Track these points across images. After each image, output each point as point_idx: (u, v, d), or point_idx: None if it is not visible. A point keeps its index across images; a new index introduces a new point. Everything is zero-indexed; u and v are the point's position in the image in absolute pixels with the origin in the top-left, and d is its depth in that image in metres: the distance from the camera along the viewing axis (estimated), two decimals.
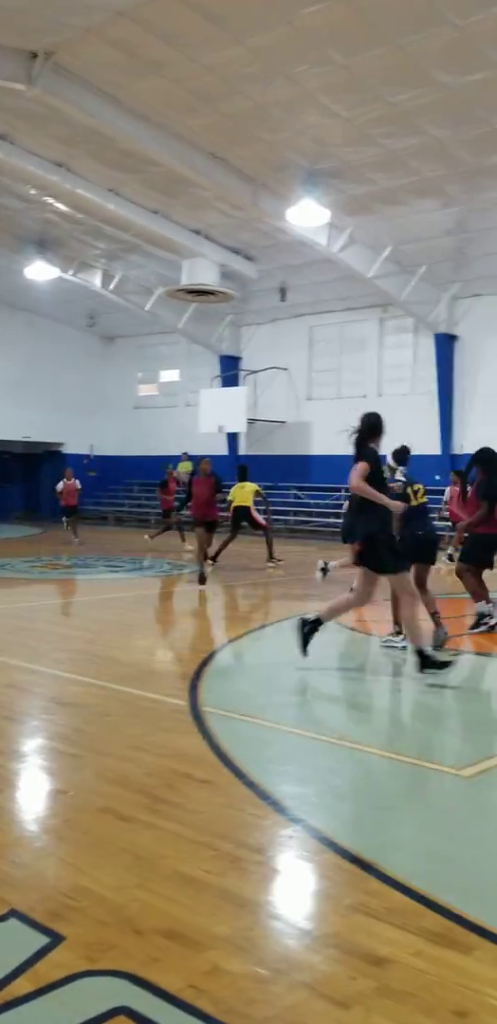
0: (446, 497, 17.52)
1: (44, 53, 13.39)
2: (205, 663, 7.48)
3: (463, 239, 19.31)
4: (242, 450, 27.36)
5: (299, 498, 25.12)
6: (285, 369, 26.04)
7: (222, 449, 27.35)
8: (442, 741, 5.85)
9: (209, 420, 25.55)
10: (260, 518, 15.79)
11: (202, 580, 11.85)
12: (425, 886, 3.48)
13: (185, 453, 28.42)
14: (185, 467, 28.48)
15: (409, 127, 14.44)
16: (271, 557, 15.45)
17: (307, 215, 16.94)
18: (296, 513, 24.48)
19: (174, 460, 28.39)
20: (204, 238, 20.54)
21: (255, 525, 15.69)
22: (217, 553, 14.77)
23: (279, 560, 15.49)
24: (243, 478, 16.08)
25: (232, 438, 27.17)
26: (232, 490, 15.80)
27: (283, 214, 17.35)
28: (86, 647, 8.52)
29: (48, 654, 7.92)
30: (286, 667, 7.60)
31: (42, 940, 3.02)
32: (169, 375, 30.13)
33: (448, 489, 17.34)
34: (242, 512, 15.48)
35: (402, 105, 13.77)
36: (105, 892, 3.38)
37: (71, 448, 29.88)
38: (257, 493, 15.90)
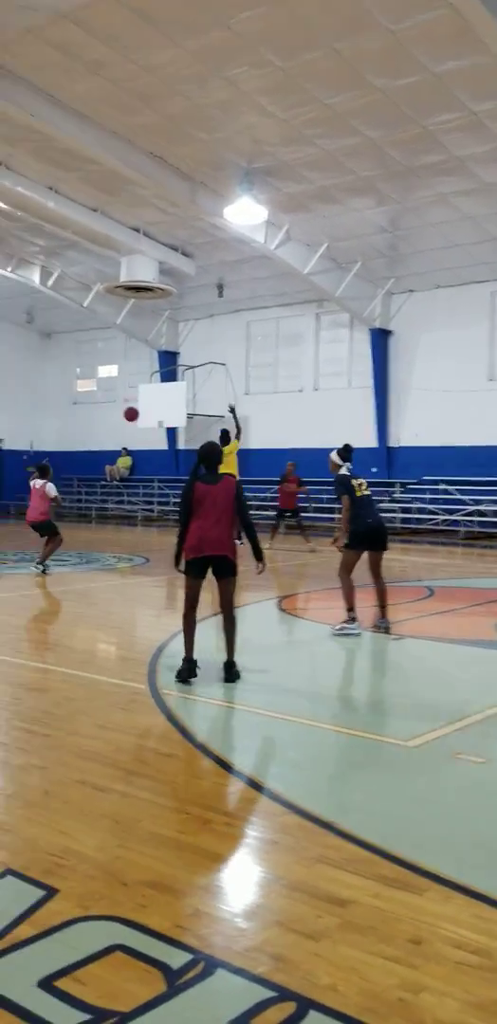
0: None
1: None
2: (161, 649, 7.78)
3: (396, 237, 19.88)
4: (181, 444, 27.62)
5: None
6: (223, 364, 26.34)
7: (161, 444, 27.59)
8: (389, 717, 6.26)
9: (148, 415, 25.70)
10: None
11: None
12: (380, 840, 3.87)
13: (124, 448, 28.60)
14: (124, 462, 28.66)
15: (344, 128, 14.87)
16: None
17: (244, 213, 17.26)
18: None
19: (113, 456, 28.58)
20: (143, 235, 20.72)
21: None
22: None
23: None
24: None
25: (172, 433, 27.40)
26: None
27: (221, 212, 17.65)
28: (43, 637, 8.77)
29: (8, 643, 8.13)
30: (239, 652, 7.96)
31: (38, 893, 3.31)
32: (107, 370, 30.19)
33: None
34: None
35: (337, 107, 14.18)
36: (90, 852, 3.68)
37: (9, 444, 29.74)
38: None
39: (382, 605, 8.83)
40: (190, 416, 25.84)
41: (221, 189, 17.33)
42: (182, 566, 6.71)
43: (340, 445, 9.05)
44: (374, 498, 9.24)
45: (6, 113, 14.55)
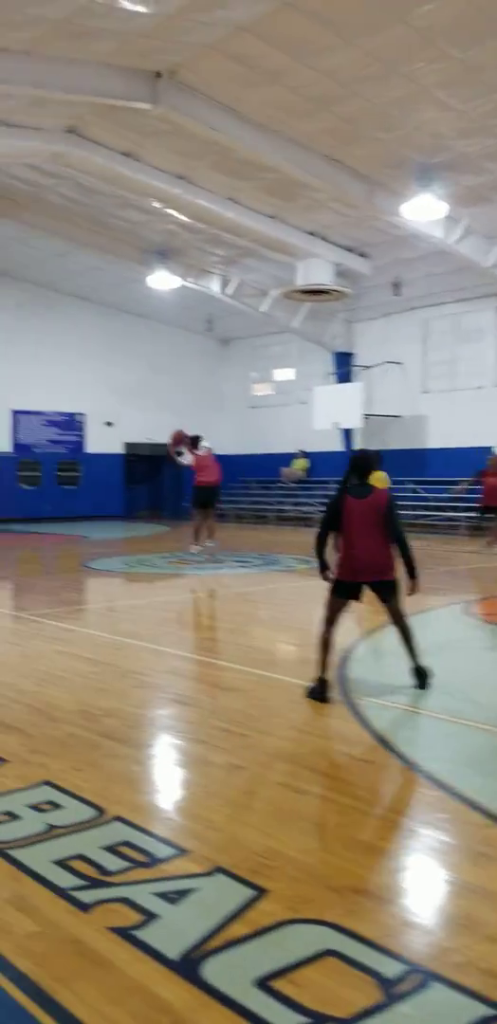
0: None
1: (168, 72, 13.94)
2: (348, 653, 7.78)
3: None
4: (358, 445, 27.49)
5: (417, 492, 25.09)
6: (399, 363, 26.04)
7: (337, 446, 27.58)
8: None
9: (324, 417, 25.81)
10: None
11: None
12: None
13: (300, 450, 28.82)
14: (300, 464, 28.87)
15: None
16: None
17: (423, 209, 16.98)
18: (414, 508, 24.46)
19: (289, 458, 28.87)
20: (319, 238, 20.80)
21: None
22: None
23: None
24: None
25: (347, 434, 27.35)
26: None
27: (398, 210, 17.45)
28: (231, 637, 8.98)
29: (198, 643, 8.39)
30: (425, 658, 7.84)
31: (248, 892, 3.40)
32: (283, 374, 30.53)
33: None
34: None
35: None
36: (295, 854, 3.73)
37: None
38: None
39: None
40: (366, 417, 25.71)
41: (399, 187, 17.12)
42: (330, 574, 6.31)
43: None
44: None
45: (188, 129, 15.03)
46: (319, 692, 6.13)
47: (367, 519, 6.15)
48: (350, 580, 6.20)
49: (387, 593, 6.27)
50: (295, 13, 11.83)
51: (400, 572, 6.31)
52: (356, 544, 6.14)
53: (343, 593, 6.23)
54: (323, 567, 6.31)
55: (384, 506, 6.21)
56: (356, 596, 6.27)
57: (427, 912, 3.37)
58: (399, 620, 6.40)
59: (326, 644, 6.27)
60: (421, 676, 6.46)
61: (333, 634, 6.30)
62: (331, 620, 6.28)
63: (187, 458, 13.23)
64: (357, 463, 6.42)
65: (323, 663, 6.23)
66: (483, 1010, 2.69)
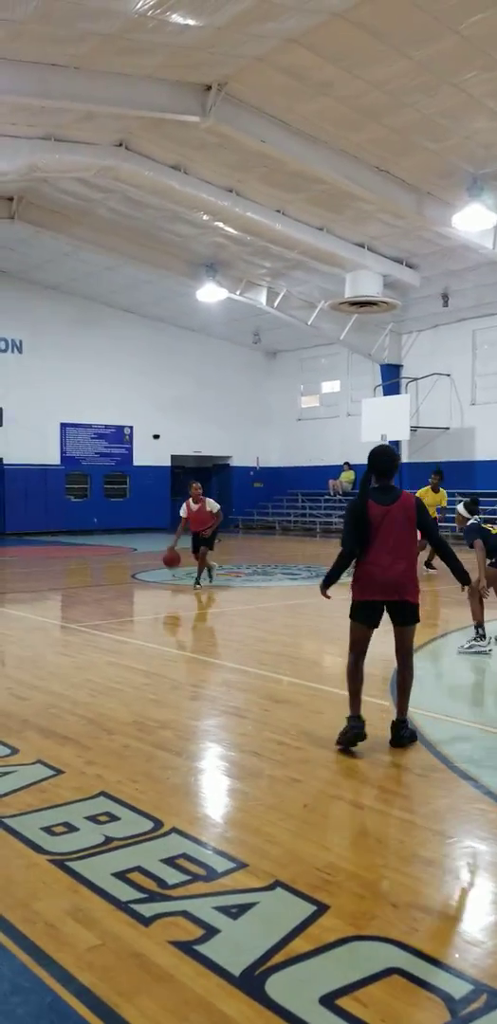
0: None
1: (217, 85, 14.01)
2: None
3: None
4: (405, 457, 27.29)
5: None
6: (447, 375, 25.83)
7: None
8: None
9: (371, 429, 25.65)
10: None
11: None
12: None
13: (346, 463, 28.71)
14: (347, 476, 28.77)
15: None
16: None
17: (473, 220, 16.83)
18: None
19: (336, 470, 28.77)
20: (367, 250, 20.73)
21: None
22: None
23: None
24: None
25: (395, 446, 27.16)
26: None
27: (449, 220, 17.32)
28: (283, 650, 8.94)
29: (250, 655, 8.36)
30: (479, 671, 7.74)
31: (309, 908, 3.35)
32: (330, 386, 30.47)
33: None
34: None
35: None
36: (356, 869, 3.68)
37: (237, 461, 30.75)
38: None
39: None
40: (414, 429, 25.53)
41: (448, 198, 17.01)
42: (338, 596, 5.63)
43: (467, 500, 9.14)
44: None
45: (237, 141, 15.10)
46: (351, 736, 5.24)
47: (394, 527, 5.24)
48: (373, 600, 5.32)
49: (411, 616, 5.33)
50: (345, 24, 11.82)
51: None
52: (383, 560, 5.23)
53: (365, 617, 5.37)
54: (329, 583, 5.55)
55: (414, 510, 5.30)
56: (378, 620, 5.38)
57: (492, 930, 3.29)
58: (410, 652, 5.46)
59: (355, 680, 5.41)
60: (399, 733, 5.39)
61: (361, 666, 5.43)
62: (358, 653, 5.42)
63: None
64: (379, 460, 5.36)
65: (354, 701, 5.38)
66: None
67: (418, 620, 5.39)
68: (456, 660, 8.36)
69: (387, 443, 5.67)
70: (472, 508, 9.02)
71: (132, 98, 13.82)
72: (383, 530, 5.22)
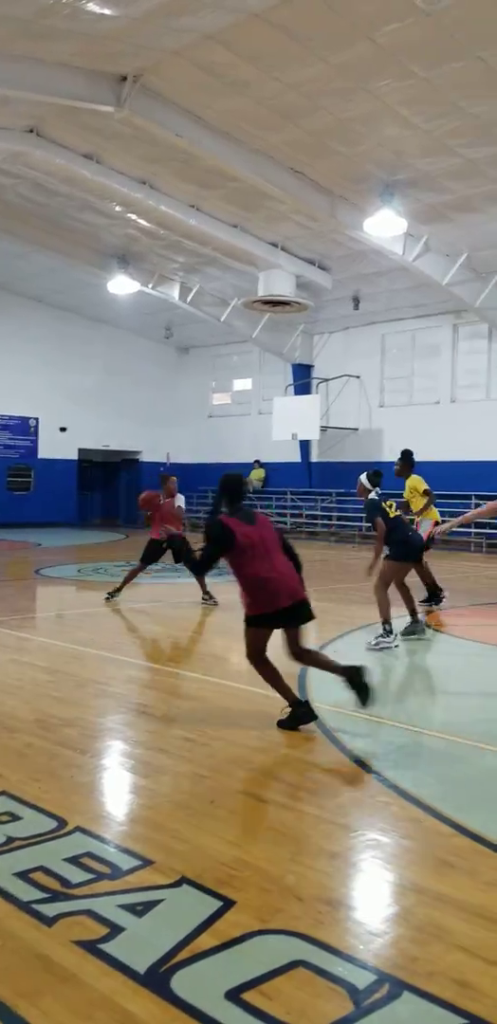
0: None
1: (133, 76, 13.87)
2: None
3: None
4: (314, 457, 27.64)
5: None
6: (357, 377, 26.23)
7: (294, 456, 27.68)
8: None
9: (282, 428, 25.88)
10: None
11: None
12: None
13: (257, 461, 28.85)
14: (257, 474, 28.91)
15: (488, 136, 14.54)
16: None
17: (384, 225, 17.13)
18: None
19: (246, 468, 28.86)
20: (281, 250, 20.87)
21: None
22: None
23: None
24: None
25: (304, 445, 27.47)
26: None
27: (360, 225, 17.58)
28: (189, 646, 8.92)
29: (156, 652, 8.31)
30: (385, 667, 7.89)
31: (215, 903, 3.35)
32: (242, 384, 30.55)
33: None
34: None
35: (482, 116, 13.88)
36: (262, 864, 3.70)
37: (147, 456, 30.52)
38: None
39: (413, 611, 9.28)
40: (324, 429, 25.84)
41: (361, 202, 17.26)
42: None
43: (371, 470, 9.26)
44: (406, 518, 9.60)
45: (152, 134, 14.98)
46: (301, 718, 5.61)
47: (268, 541, 5.65)
48: (277, 610, 5.57)
49: (307, 613, 5.72)
50: (263, 24, 11.86)
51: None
52: (278, 568, 5.58)
53: (271, 625, 5.66)
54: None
55: (273, 525, 5.86)
56: (282, 625, 5.68)
57: (395, 921, 3.35)
58: (301, 649, 5.85)
59: (272, 672, 5.75)
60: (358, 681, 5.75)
61: (267, 661, 5.75)
62: (260, 651, 5.71)
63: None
64: (230, 486, 5.77)
65: (283, 690, 5.73)
66: (455, 1020, 2.67)
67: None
68: (363, 657, 8.48)
69: (237, 473, 5.96)
70: (374, 480, 9.04)
71: (45, 84, 13.55)
72: (259, 546, 5.57)
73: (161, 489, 11.87)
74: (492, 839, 4.00)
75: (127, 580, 11.68)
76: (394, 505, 9.01)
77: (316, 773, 4.90)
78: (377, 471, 9.27)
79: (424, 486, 12.02)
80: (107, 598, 11.53)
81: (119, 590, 11.53)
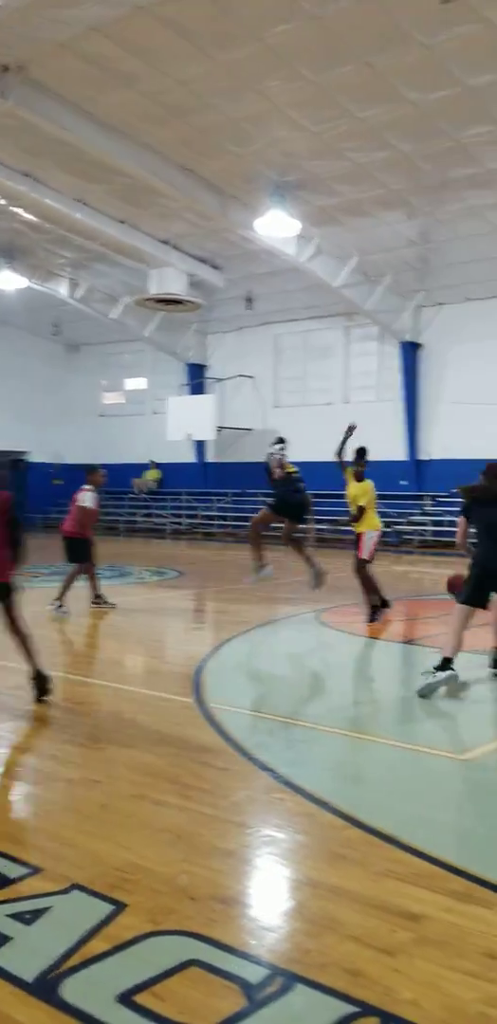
0: None
1: (16, 67, 13.52)
2: (204, 662, 7.74)
3: (427, 250, 19.81)
4: (210, 457, 27.64)
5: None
6: (251, 377, 26.37)
7: (189, 456, 27.62)
8: (441, 730, 6.20)
9: (177, 428, 25.78)
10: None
11: None
12: (445, 854, 3.81)
13: (152, 461, 28.66)
14: (152, 475, 28.72)
15: (376, 141, 14.84)
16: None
17: (275, 226, 17.27)
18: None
19: (141, 468, 28.65)
20: (172, 247, 20.78)
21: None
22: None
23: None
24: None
25: (200, 446, 27.44)
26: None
27: (251, 224, 17.68)
28: (87, 651, 8.77)
29: (52, 658, 8.12)
30: (279, 665, 7.95)
31: (107, 908, 3.29)
32: (135, 383, 30.25)
33: None
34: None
35: (370, 120, 14.16)
36: (155, 866, 3.65)
37: (37, 456, 29.88)
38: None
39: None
40: (219, 429, 25.87)
41: (252, 202, 17.34)
42: None
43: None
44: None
45: (36, 125, 14.63)
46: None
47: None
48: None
49: (5, 594, 6.14)
50: (150, 19, 11.76)
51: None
52: None
53: None
54: None
55: (7, 503, 6.18)
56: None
57: (289, 915, 3.36)
58: (17, 625, 6.24)
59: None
60: (42, 683, 6.19)
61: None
62: None
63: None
64: None
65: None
66: (346, 1008, 2.70)
67: (12, 592, 6.14)
68: (253, 655, 8.55)
69: None
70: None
71: None
72: None
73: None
74: (383, 829, 4.06)
75: (66, 586, 10.69)
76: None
77: (210, 773, 4.88)
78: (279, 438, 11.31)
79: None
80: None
81: (61, 597, 10.50)
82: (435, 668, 6.66)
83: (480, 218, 17.63)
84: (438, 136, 14.53)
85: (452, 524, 22.03)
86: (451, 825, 4.26)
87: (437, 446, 22.78)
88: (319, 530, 22.62)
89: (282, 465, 11.21)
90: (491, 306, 21.57)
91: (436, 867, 3.70)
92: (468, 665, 8.01)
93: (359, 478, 10.61)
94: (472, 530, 7.15)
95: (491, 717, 6.57)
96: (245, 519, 26.18)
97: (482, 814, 4.43)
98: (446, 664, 6.66)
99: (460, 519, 7.28)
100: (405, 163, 15.55)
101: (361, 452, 10.71)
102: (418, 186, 16.46)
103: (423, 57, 12.24)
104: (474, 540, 7.08)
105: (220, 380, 26.63)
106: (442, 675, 6.59)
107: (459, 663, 6.76)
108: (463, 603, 6.84)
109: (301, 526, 11.45)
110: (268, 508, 11.34)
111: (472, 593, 6.79)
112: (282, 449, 11.34)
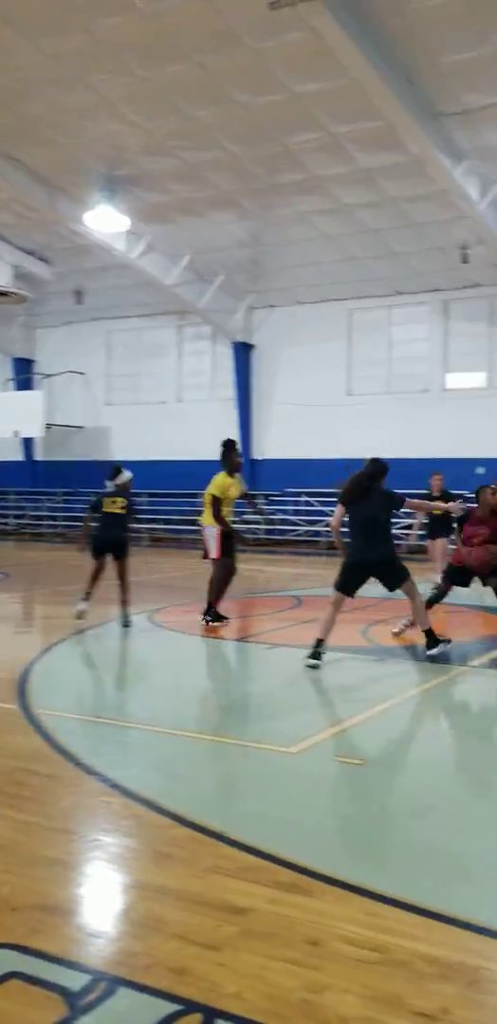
0: None
1: None
2: (30, 667, 7.54)
3: (258, 252, 20.17)
4: (39, 455, 26.98)
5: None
6: (82, 373, 25.95)
7: (17, 455, 26.85)
8: (270, 725, 6.30)
9: (3, 424, 24.97)
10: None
11: None
12: (271, 846, 3.87)
13: None
14: None
15: (207, 141, 14.97)
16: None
17: (106, 221, 17.08)
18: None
19: None
20: None
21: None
22: None
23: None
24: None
25: (28, 443, 26.72)
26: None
27: (81, 218, 17.40)
28: None
29: None
30: (110, 668, 7.86)
31: None
32: None
33: None
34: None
35: (200, 120, 14.27)
36: None
37: None
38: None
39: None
40: (48, 426, 25.29)
41: (81, 195, 17.08)
42: None
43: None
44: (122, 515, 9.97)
45: None
46: None
47: None
48: None
49: None
50: None
51: None
52: None
53: None
54: None
55: None
56: None
57: (113, 919, 3.32)
58: None
59: None
60: None
61: None
62: None
63: None
64: None
65: None
66: (169, 1007, 2.69)
67: None
68: (83, 658, 8.40)
69: None
70: (111, 475, 10.09)
71: None
72: None
73: None
74: (210, 826, 4.08)
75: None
76: (119, 502, 9.74)
77: (35, 780, 4.75)
78: (117, 467, 10.28)
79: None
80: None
81: None
82: (312, 649, 7.45)
83: (308, 224, 18.12)
84: (267, 140, 14.82)
85: (284, 523, 22.62)
86: (278, 818, 4.33)
87: (270, 445, 23.24)
88: (153, 530, 22.73)
89: None
90: (320, 310, 22.24)
91: (263, 860, 3.75)
92: (294, 659, 8.23)
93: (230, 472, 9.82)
94: (344, 530, 7.95)
95: (318, 708, 6.76)
96: (76, 519, 25.76)
97: (308, 805, 4.54)
98: (320, 643, 7.52)
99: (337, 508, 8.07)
100: (235, 165, 15.76)
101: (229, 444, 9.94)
102: (248, 188, 16.73)
103: (252, 61, 12.46)
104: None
105: (49, 376, 26.05)
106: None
107: (286, 658, 6.91)
108: (337, 590, 7.81)
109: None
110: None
111: (342, 582, 7.82)
112: None
